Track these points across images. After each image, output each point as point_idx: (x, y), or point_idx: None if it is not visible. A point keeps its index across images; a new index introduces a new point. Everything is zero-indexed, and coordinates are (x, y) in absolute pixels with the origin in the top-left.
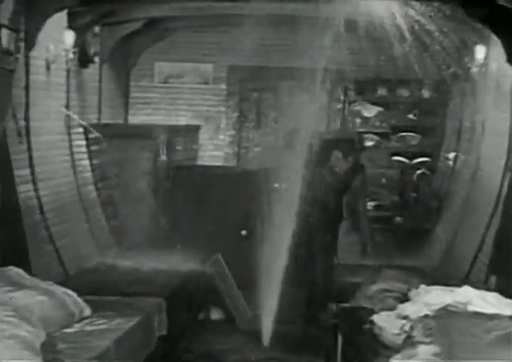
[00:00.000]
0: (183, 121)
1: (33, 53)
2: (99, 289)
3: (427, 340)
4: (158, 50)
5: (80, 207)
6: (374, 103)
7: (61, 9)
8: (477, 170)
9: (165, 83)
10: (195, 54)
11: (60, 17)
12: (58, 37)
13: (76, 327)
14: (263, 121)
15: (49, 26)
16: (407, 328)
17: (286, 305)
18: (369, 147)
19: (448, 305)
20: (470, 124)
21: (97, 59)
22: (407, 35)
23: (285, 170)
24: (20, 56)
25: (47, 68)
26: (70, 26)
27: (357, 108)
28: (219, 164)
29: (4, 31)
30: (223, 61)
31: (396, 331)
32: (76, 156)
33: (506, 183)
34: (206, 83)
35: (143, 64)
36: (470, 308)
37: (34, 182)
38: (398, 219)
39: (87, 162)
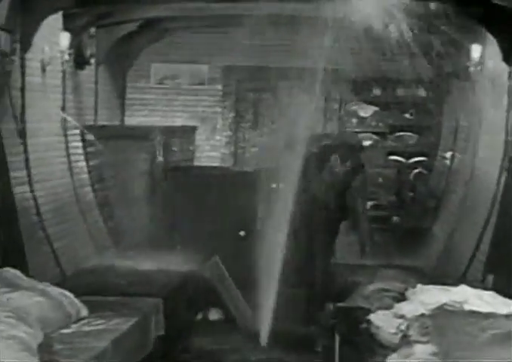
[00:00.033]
0: (179, 122)
1: (29, 55)
2: (96, 290)
3: (424, 339)
4: (154, 51)
5: (77, 208)
6: (371, 103)
7: (56, 10)
8: (474, 169)
9: (161, 84)
10: (192, 55)
11: (56, 19)
12: (54, 38)
13: (73, 328)
14: (260, 121)
15: (45, 27)
16: (403, 327)
17: (285, 305)
18: (366, 147)
19: (445, 304)
20: (467, 123)
21: (93, 60)
22: (404, 34)
23: (282, 170)
24: (16, 57)
25: (43, 69)
26: (66, 28)
27: (353, 108)
28: (216, 164)
29: (0, 32)
30: (219, 61)
31: (393, 330)
32: (73, 158)
33: (502, 182)
34: (202, 84)
35: (140, 65)
36: (467, 307)
37: (30, 183)
38: (395, 218)
39: (83, 164)
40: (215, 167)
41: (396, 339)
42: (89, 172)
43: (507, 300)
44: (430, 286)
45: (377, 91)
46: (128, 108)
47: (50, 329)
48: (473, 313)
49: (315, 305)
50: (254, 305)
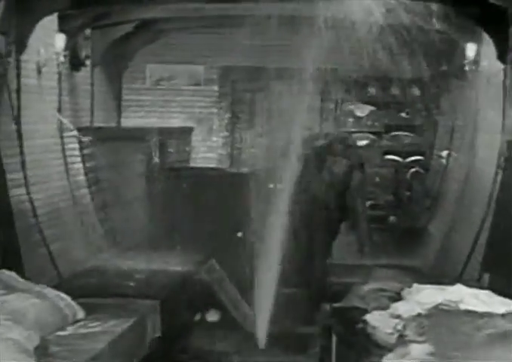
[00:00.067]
0: (175, 123)
1: (24, 57)
2: (92, 292)
3: (420, 339)
4: (150, 52)
5: (73, 210)
6: (367, 102)
7: (52, 12)
8: (470, 167)
9: (157, 85)
10: (188, 56)
11: (51, 20)
12: (49, 40)
13: (70, 330)
14: (256, 122)
15: (40, 29)
16: (400, 327)
17: (284, 305)
18: (362, 146)
19: (441, 303)
20: (463, 123)
21: (88, 62)
22: (400, 33)
23: (279, 171)
24: (11, 59)
25: (39, 71)
26: (61, 29)
27: (349, 107)
28: (212, 165)
29: None
30: (215, 62)
31: (389, 330)
32: (69, 159)
33: (499, 181)
34: (198, 84)
35: (135, 66)
36: (462, 307)
37: (27, 185)
38: (392, 218)
39: (80, 165)
40: (211, 168)
41: (393, 339)
42: (85, 174)
43: (503, 299)
44: (426, 286)
45: (372, 91)
46: (125, 110)
47: (46, 332)
48: (468, 312)
49: (314, 305)
50: (253, 305)
